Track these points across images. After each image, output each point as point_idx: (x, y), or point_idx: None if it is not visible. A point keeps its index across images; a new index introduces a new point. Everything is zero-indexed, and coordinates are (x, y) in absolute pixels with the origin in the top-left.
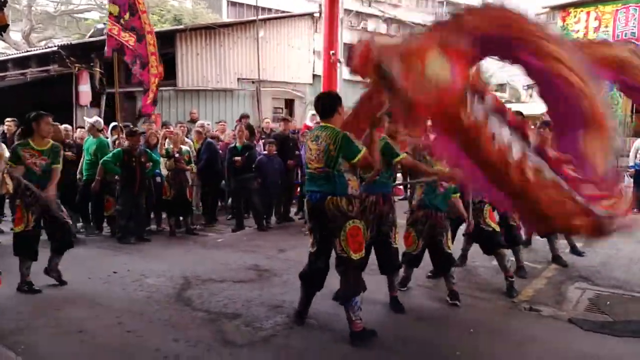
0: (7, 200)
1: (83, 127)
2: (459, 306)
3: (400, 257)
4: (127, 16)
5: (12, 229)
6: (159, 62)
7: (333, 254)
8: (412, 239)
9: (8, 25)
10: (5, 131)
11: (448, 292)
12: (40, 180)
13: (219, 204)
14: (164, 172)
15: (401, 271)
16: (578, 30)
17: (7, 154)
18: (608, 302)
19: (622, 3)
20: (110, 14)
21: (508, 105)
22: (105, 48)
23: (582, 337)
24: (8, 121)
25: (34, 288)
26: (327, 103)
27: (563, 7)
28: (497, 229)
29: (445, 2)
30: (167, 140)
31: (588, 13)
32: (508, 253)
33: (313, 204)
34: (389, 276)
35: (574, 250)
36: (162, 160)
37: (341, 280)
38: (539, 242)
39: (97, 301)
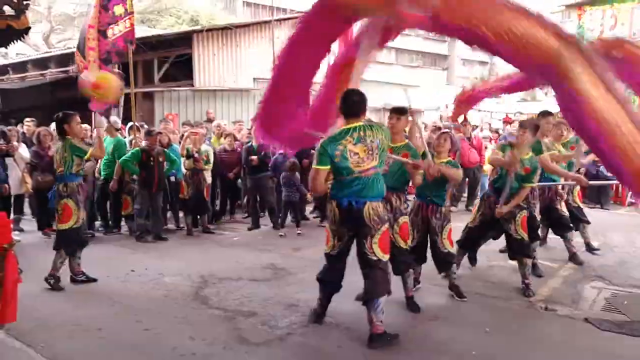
0: (26, 199)
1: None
2: (466, 301)
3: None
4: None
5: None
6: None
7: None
8: (407, 231)
9: (30, 28)
10: (25, 131)
11: (450, 287)
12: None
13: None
14: (184, 171)
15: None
16: (593, 29)
17: (26, 154)
18: (625, 302)
19: (638, 0)
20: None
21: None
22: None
23: (599, 336)
24: (27, 122)
25: (59, 285)
26: (358, 100)
27: (579, 5)
28: (527, 239)
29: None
30: (187, 140)
31: (604, 11)
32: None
33: (350, 209)
34: (402, 276)
35: (589, 248)
36: (182, 160)
37: (367, 281)
38: (555, 241)
39: (115, 299)
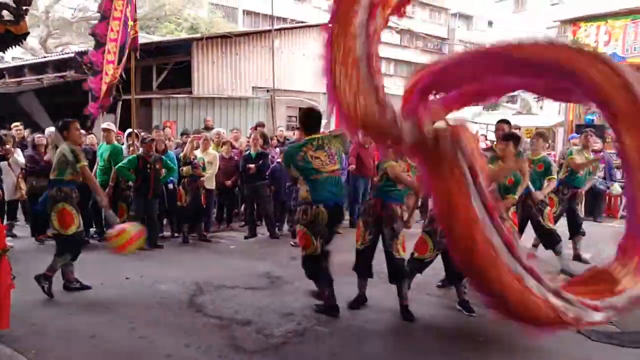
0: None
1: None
2: (474, 316)
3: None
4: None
5: (58, 234)
6: (117, 69)
7: None
8: (360, 232)
9: (28, 33)
10: (15, 135)
11: (459, 301)
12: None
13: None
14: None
15: None
16: (588, 45)
17: (21, 159)
18: None
19: (631, 18)
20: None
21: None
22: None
23: (591, 347)
24: (16, 126)
25: (51, 290)
26: (318, 117)
27: (574, 21)
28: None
29: (457, 15)
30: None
31: (598, 27)
32: None
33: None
34: (397, 285)
35: (579, 260)
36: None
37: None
38: (546, 253)
39: (110, 307)
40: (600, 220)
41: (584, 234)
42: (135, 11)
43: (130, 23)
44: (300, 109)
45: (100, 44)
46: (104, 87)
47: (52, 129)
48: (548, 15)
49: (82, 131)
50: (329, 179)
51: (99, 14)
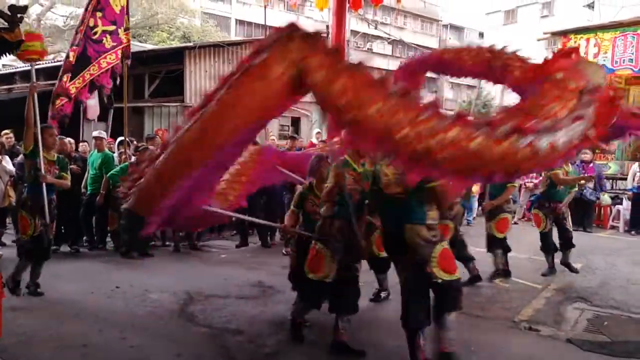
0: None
1: (87, 142)
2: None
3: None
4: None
5: (18, 239)
6: (69, 80)
7: None
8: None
9: (23, 40)
10: (4, 142)
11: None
12: (48, 189)
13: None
14: None
15: None
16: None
17: (10, 167)
18: (606, 323)
19: (620, 31)
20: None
21: None
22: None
23: (581, 357)
24: (6, 133)
25: (38, 291)
26: None
27: (564, 34)
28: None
29: (449, 26)
30: None
31: (588, 40)
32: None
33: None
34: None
35: (569, 269)
36: None
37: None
38: (540, 262)
39: (100, 316)
40: (590, 230)
41: (573, 245)
42: (128, 20)
43: (102, 29)
44: (292, 118)
45: (66, 55)
46: (72, 89)
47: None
48: (538, 28)
49: (71, 139)
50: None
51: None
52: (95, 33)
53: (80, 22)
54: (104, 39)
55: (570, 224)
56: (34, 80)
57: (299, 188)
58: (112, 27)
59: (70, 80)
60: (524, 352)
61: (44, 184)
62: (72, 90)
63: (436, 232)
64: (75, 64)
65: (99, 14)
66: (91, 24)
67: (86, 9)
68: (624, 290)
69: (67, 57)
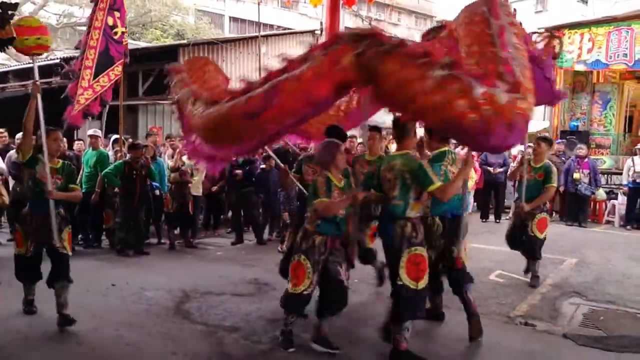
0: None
1: (82, 140)
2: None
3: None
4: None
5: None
6: (92, 77)
7: None
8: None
9: (14, 38)
10: None
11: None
12: (33, 199)
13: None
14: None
15: None
16: (572, 51)
17: (1, 164)
18: (602, 317)
19: (614, 25)
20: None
21: None
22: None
23: (577, 351)
24: (0, 132)
25: (32, 309)
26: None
27: (558, 29)
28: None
29: (443, 22)
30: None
31: (582, 35)
32: None
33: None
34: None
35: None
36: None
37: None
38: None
39: (96, 314)
40: (585, 225)
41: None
42: (125, 19)
43: (121, 30)
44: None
45: (82, 52)
46: (79, 91)
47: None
48: (532, 23)
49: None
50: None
51: (84, 21)
52: (116, 33)
53: (91, 20)
54: (123, 40)
55: (535, 229)
56: (37, 77)
57: (319, 182)
58: (125, 29)
59: (94, 79)
60: (519, 347)
61: (51, 201)
62: (86, 96)
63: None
64: (97, 63)
65: (117, 14)
66: (110, 22)
67: (96, 5)
68: (619, 285)
69: (84, 55)
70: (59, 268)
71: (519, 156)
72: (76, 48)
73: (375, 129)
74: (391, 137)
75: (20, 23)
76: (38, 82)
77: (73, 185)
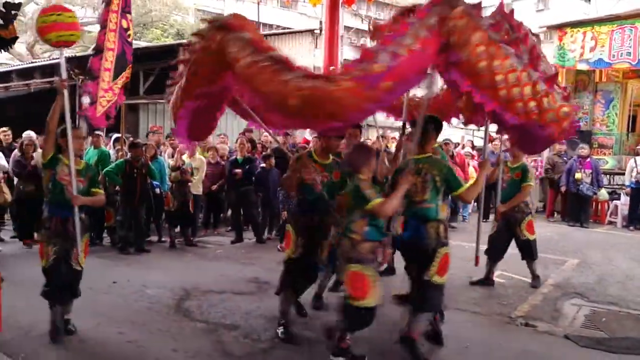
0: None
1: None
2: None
3: None
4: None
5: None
6: (112, 79)
7: None
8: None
9: (17, 37)
10: (2, 139)
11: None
12: (69, 204)
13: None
14: (169, 183)
15: None
16: (574, 50)
17: (2, 162)
18: (604, 319)
19: (617, 24)
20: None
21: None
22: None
23: (578, 353)
24: (3, 130)
25: (69, 328)
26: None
27: (560, 27)
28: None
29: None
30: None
31: (584, 33)
32: None
33: None
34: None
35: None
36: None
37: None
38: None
39: (98, 311)
40: (587, 225)
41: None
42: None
43: (130, 33)
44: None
45: (99, 52)
46: (100, 93)
47: (31, 133)
48: (534, 21)
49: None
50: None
51: (85, 21)
52: (129, 36)
53: (105, 21)
54: (132, 42)
55: (526, 232)
56: (64, 74)
57: (364, 185)
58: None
59: (113, 80)
60: (520, 348)
61: (75, 207)
62: (107, 98)
63: None
64: (115, 65)
65: (129, 17)
66: (124, 25)
67: (108, 7)
68: (621, 286)
69: (101, 57)
70: (70, 285)
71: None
72: (94, 49)
73: (357, 126)
74: (392, 137)
75: (61, 18)
76: (65, 79)
77: (96, 189)
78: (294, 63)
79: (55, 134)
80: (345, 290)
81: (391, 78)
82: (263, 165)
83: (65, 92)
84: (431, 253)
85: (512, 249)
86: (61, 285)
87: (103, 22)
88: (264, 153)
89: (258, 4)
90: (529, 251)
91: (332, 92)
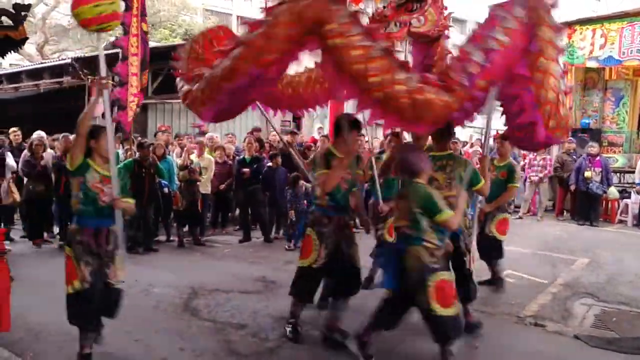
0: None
1: None
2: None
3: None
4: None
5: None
6: (140, 84)
7: None
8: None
9: (27, 38)
10: (12, 139)
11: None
12: (101, 214)
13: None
14: (178, 183)
15: None
16: (584, 47)
17: (11, 162)
18: (614, 319)
19: (627, 21)
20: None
21: None
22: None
23: (589, 353)
24: (14, 130)
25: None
26: None
27: (569, 25)
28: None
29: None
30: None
31: (594, 30)
32: None
33: None
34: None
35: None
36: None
37: None
38: (548, 257)
39: None
40: (597, 224)
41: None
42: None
43: (148, 35)
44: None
45: (124, 57)
46: (130, 98)
47: (41, 133)
48: None
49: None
50: None
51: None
52: (148, 38)
53: (129, 26)
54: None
55: (494, 230)
56: (104, 71)
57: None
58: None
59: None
60: (529, 348)
61: (116, 211)
62: (136, 102)
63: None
64: (140, 69)
65: (146, 19)
66: (145, 28)
67: (129, 12)
68: (632, 286)
69: (127, 63)
70: (107, 306)
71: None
72: (114, 46)
73: (357, 126)
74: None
75: (104, 9)
76: (105, 77)
77: (127, 197)
78: (407, 62)
79: (85, 137)
80: (425, 303)
81: (486, 76)
82: (270, 164)
83: (106, 93)
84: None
85: (521, 248)
86: (98, 309)
87: (126, 27)
88: (271, 152)
89: (266, 3)
90: (488, 250)
91: (448, 104)
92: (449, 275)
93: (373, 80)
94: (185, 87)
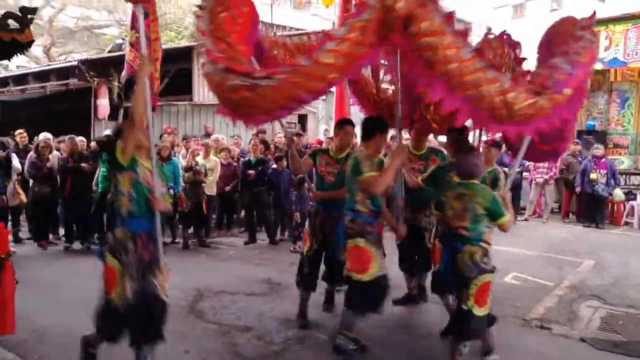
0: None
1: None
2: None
3: None
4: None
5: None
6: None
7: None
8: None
9: (33, 41)
10: (18, 141)
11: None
12: (153, 216)
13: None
14: (183, 184)
15: None
16: None
17: (16, 164)
18: (621, 322)
19: (632, 23)
20: (131, 45)
21: None
22: (122, 73)
23: (595, 356)
24: (20, 132)
25: None
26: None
27: None
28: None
29: (456, 20)
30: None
31: (599, 32)
32: None
33: None
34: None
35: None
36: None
37: None
38: (554, 260)
39: None
40: (602, 226)
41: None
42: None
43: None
44: (299, 115)
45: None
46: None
47: (47, 134)
48: (548, 21)
49: (83, 137)
50: None
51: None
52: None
53: (147, 32)
54: None
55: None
56: (145, 49)
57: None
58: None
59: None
60: (535, 351)
61: (157, 213)
62: None
63: None
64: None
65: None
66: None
67: (147, 19)
68: (639, 289)
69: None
70: (151, 321)
71: None
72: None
73: (351, 123)
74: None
75: None
76: (145, 55)
77: (167, 196)
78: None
79: (138, 128)
80: (466, 299)
81: (572, 85)
82: (274, 166)
83: (147, 80)
84: None
85: (526, 250)
86: (128, 325)
87: (147, 34)
88: (276, 154)
89: (271, 5)
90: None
91: (542, 106)
92: (493, 277)
93: (467, 79)
94: (235, 82)
